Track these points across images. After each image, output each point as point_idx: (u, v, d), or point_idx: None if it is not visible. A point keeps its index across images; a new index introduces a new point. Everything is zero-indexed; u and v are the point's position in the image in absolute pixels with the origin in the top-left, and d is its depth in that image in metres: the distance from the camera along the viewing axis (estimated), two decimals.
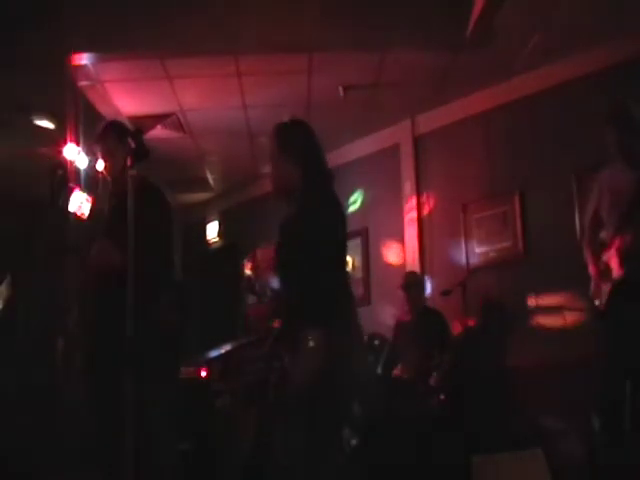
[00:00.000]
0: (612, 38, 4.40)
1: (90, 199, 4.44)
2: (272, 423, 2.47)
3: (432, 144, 5.78)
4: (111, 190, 3.10)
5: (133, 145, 2.50)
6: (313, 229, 2.39)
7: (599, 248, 3.48)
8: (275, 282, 2.73)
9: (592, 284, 3.47)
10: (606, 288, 3.34)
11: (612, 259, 3.32)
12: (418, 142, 5.87)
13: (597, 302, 3.41)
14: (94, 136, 3.22)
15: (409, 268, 5.58)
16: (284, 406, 2.50)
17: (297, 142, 2.52)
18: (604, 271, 3.37)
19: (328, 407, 2.32)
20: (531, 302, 4.85)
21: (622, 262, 3.25)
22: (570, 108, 4.73)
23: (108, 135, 3.13)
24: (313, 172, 2.50)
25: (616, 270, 3.28)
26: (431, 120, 5.76)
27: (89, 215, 4.18)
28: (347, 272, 2.64)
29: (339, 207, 2.51)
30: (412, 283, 5.06)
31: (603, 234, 3.49)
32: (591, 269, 3.49)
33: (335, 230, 2.44)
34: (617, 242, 3.32)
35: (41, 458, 4.45)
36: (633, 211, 3.28)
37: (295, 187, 2.51)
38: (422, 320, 4.92)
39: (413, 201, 5.81)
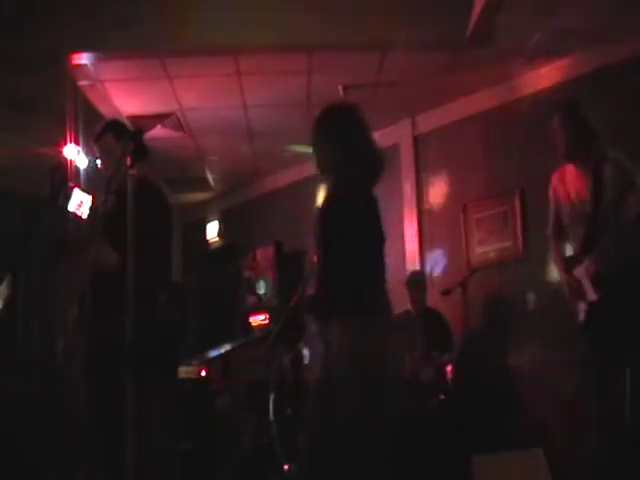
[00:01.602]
0: (612, 38, 4.40)
1: (90, 198, 4.45)
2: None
3: (432, 144, 5.78)
4: (110, 189, 3.09)
5: (132, 145, 2.50)
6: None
7: (569, 260, 3.43)
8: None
9: (568, 297, 3.43)
10: (582, 307, 3.31)
11: (584, 279, 3.28)
12: (418, 142, 5.87)
13: (577, 316, 3.38)
14: (93, 135, 3.20)
15: (409, 268, 5.57)
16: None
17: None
18: (577, 290, 3.32)
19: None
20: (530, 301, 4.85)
21: (595, 287, 3.21)
22: None
23: (107, 134, 3.11)
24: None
25: (590, 293, 3.24)
26: (431, 120, 5.75)
27: (89, 215, 4.18)
28: None
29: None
30: (417, 282, 5.07)
31: (572, 244, 3.46)
32: (563, 280, 3.45)
33: None
34: (586, 265, 3.27)
35: (41, 458, 4.44)
36: (595, 230, 3.23)
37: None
38: (422, 321, 4.92)
39: (413, 201, 5.81)
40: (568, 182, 3.42)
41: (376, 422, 2.43)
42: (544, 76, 4.90)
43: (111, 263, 2.78)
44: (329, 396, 2.45)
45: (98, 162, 3.16)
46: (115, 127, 3.17)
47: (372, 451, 2.41)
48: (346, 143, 2.60)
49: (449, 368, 4.67)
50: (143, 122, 5.32)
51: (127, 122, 4.76)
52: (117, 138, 3.04)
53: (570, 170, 3.41)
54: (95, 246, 2.89)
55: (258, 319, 6.60)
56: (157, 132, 5.81)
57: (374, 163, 2.65)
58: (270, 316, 6.31)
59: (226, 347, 5.08)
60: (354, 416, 2.39)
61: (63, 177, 4.37)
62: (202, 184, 7.36)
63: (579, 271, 3.30)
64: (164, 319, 2.88)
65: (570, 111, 3.41)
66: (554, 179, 3.53)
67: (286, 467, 4.08)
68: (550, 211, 3.59)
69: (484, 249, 5.28)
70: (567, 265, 3.41)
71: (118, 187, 2.94)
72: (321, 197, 2.62)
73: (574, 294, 3.33)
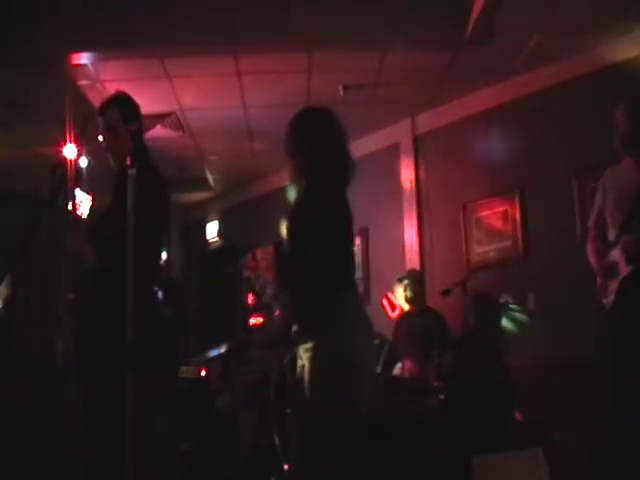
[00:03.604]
0: (612, 38, 4.40)
1: (90, 198, 4.44)
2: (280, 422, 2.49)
3: (432, 143, 5.78)
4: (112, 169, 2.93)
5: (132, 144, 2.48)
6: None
7: (604, 247, 3.43)
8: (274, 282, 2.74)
9: (598, 283, 3.43)
10: (612, 287, 3.30)
11: (619, 258, 3.28)
12: (418, 141, 5.87)
13: (604, 301, 3.37)
14: (99, 106, 3.02)
15: (409, 268, 5.57)
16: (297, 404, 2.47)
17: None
18: (609, 270, 3.33)
19: (345, 405, 2.33)
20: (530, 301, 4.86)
21: (628, 260, 3.22)
22: (570, 108, 4.73)
23: (112, 108, 2.93)
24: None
25: (623, 268, 3.24)
26: (431, 119, 5.76)
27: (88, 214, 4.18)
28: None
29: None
30: (413, 279, 5.07)
31: (609, 234, 3.45)
32: (596, 268, 3.45)
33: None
34: (622, 241, 3.28)
35: (41, 458, 4.44)
36: (636, 208, 3.24)
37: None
38: (422, 320, 4.92)
39: (413, 201, 5.81)
40: (621, 173, 3.43)
41: (355, 421, 2.39)
42: (544, 76, 4.90)
43: (87, 255, 2.71)
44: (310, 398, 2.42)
45: (99, 137, 2.96)
46: (122, 102, 2.99)
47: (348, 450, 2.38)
48: (323, 146, 2.59)
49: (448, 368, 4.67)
50: (143, 122, 5.31)
51: None
52: (121, 114, 2.89)
53: (626, 163, 3.43)
54: (70, 242, 2.82)
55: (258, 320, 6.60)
56: (157, 132, 5.81)
57: (348, 169, 2.64)
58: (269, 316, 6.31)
59: (226, 347, 5.08)
60: (337, 416, 2.35)
61: (63, 177, 4.36)
62: (202, 184, 7.37)
63: (614, 254, 3.31)
64: (163, 318, 2.87)
65: (633, 105, 3.42)
66: (608, 171, 3.53)
67: (286, 467, 4.08)
68: (596, 201, 3.57)
69: (484, 249, 5.28)
70: (602, 251, 3.42)
71: (119, 169, 2.82)
72: (295, 202, 2.57)
73: (607, 275, 3.33)
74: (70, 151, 4.79)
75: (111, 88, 5.02)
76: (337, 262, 2.45)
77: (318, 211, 2.45)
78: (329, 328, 2.35)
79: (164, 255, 3.17)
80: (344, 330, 2.37)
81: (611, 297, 3.28)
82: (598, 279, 3.40)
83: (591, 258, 3.49)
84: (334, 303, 2.38)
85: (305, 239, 2.42)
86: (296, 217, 2.49)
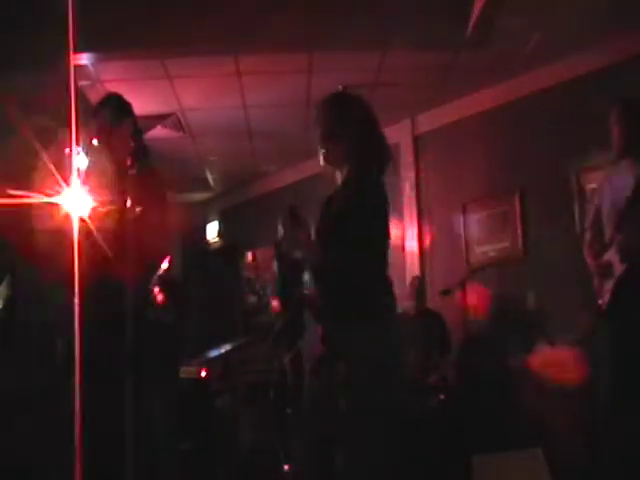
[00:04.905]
0: (612, 38, 4.40)
1: (89, 198, 4.44)
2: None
3: (432, 144, 5.78)
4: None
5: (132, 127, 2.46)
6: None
7: (601, 248, 3.45)
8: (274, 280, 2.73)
9: (594, 283, 3.44)
10: (608, 287, 3.32)
11: (614, 258, 3.30)
12: (418, 141, 5.88)
13: (600, 301, 3.39)
14: (92, 110, 2.98)
15: (409, 268, 5.58)
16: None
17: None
18: (606, 270, 3.34)
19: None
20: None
21: (623, 259, 3.24)
22: (570, 108, 4.72)
23: (104, 109, 2.89)
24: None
25: (618, 268, 3.26)
26: (431, 120, 5.76)
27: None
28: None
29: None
30: (420, 288, 5.11)
31: (605, 234, 3.46)
32: (592, 268, 3.47)
33: None
34: (617, 241, 3.30)
35: (41, 458, 4.44)
36: (631, 207, 3.26)
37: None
38: (422, 321, 4.93)
39: (413, 201, 5.81)
40: (617, 174, 3.44)
41: (394, 422, 2.39)
42: (544, 76, 4.90)
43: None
44: (333, 399, 2.39)
45: (95, 142, 2.90)
46: (113, 103, 2.93)
47: (387, 450, 2.38)
48: (363, 130, 2.47)
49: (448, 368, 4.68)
50: (143, 122, 5.31)
51: None
52: (115, 115, 2.84)
53: (622, 164, 3.43)
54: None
55: None
56: (157, 132, 5.81)
57: (385, 155, 2.56)
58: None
59: (226, 347, 5.08)
60: (373, 417, 2.34)
61: None
62: (202, 184, 7.37)
63: (609, 254, 3.32)
64: (162, 318, 2.87)
65: (628, 107, 3.43)
66: (605, 172, 3.57)
67: (286, 467, 4.09)
68: (593, 201, 3.59)
69: (484, 249, 5.29)
70: (598, 252, 3.43)
71: (112, 182, 2.83)
72: (338, 188, 2.46)
73: (602, 276, 3.34)
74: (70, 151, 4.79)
75: (111, 88, 5.01)
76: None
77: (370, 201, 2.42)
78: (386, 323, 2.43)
79: (167, 261, 3.17)
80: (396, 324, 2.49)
81: (607, 297, 3.30)
82: (595, 279, 3.42)
83: (588, 259, 3.51)
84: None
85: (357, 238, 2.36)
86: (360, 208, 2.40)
